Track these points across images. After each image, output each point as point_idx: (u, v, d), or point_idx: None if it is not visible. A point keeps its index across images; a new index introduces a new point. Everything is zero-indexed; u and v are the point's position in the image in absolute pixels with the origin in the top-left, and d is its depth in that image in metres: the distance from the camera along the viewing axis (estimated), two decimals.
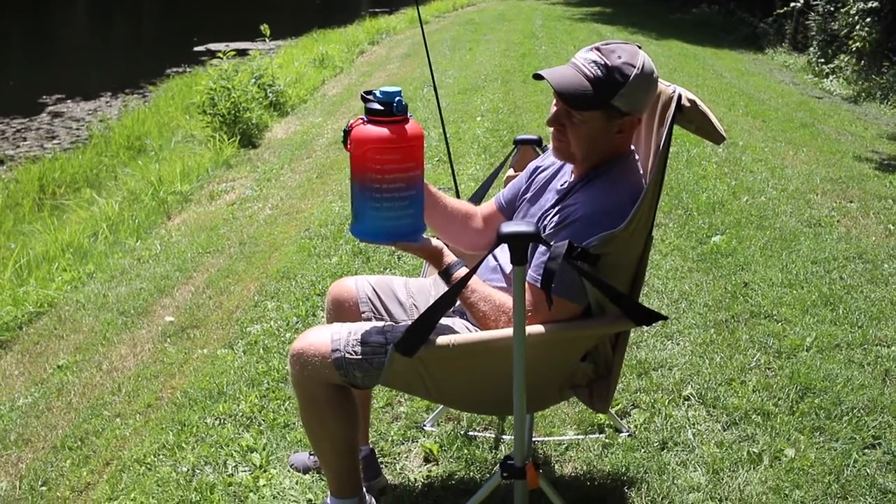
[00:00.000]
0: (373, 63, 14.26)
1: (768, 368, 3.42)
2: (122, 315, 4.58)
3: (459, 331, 2.27)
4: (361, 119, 2.05)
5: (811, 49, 13.64)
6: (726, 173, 6.29)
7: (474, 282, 2.12)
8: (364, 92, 2.07)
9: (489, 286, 2.17)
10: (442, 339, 2.04)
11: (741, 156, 6.83)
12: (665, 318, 2.08)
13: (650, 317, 2.04)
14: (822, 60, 12.88)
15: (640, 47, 2.10)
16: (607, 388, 2.21)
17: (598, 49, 2.08)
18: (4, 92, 13.04)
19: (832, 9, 13.13)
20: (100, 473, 3.06)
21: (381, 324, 2.27)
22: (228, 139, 8.47)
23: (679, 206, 5.46)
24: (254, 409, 3.28)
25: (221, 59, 8.86)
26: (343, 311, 2.58)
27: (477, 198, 2.67)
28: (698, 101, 2.07)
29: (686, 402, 3.18)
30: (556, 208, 2.14)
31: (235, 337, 4.01)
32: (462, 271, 2.10)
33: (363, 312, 2.55)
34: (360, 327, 2.24)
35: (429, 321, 2.01)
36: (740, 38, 17.33)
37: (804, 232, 5.00)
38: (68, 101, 12.08)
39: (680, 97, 2.06)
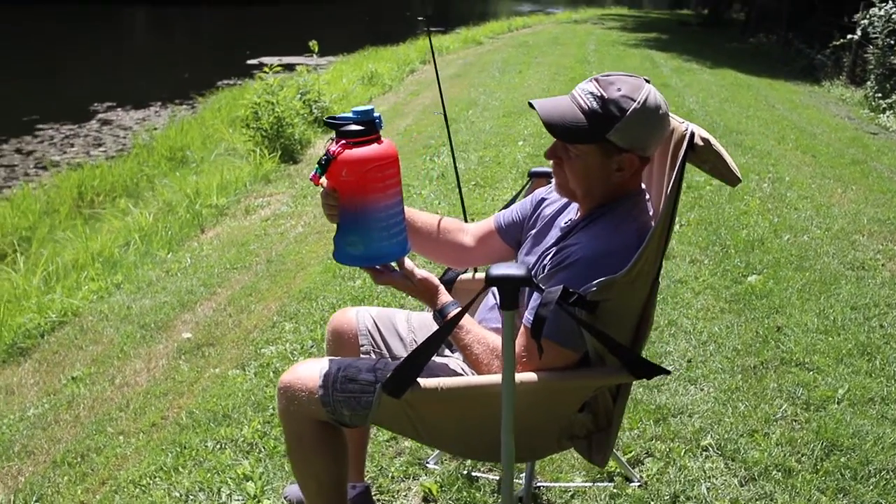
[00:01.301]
0: (422, 82, 14.24)
1: (794, 421, 3.25)
2: (142, 328, 4.55)
3: (455, 370, 2.16)
4: (341, 144, 1.96)
5: (869, 83, 13.29)
6: (769, 209, 6.10)
7: (468, 322, 2.02)
8: (328, 118, 2.00)
9: (485, 327, 2.06)
10: (429, 383, 1.94)
11: (786, 192, 6.62)
12: (667, 372, 1.95)
13: (651, 371, 1.91)
14: (880, 95, 12.54)
15: (648, 81, 1.97)
16: (607, 440, 2.08)
17: (597, 80, 1.97)
18: (58, 98, 13.25)
19: (892, 42, 12.80)
20: (94, 493, 3.00)
21: (372, 360, 2.17)
22: (269, 154, 8.46)
23: (716, 243, 5.29)
24: (255, 436, 3.19)
25: (267, 73, 8.87)
26: (342, 343, 2.49)
27: None
28: (712, 140, 1.94)
29: (704, 453, 3.02)
30: (557, 247, 2.02)
31: (249, 358, 3.94)
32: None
33: (362, 346, 2.45)
34: (350, 363, 2.14)
35: (415, 363, 1.91)
36: (797, 69, 17.01)
37: (846, 275, 4.80)
38: (118, 109, 12.24)
39: (693, 135, 1.93)
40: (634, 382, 2.07)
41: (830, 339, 3.95)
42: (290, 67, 11.44)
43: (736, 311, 4.27)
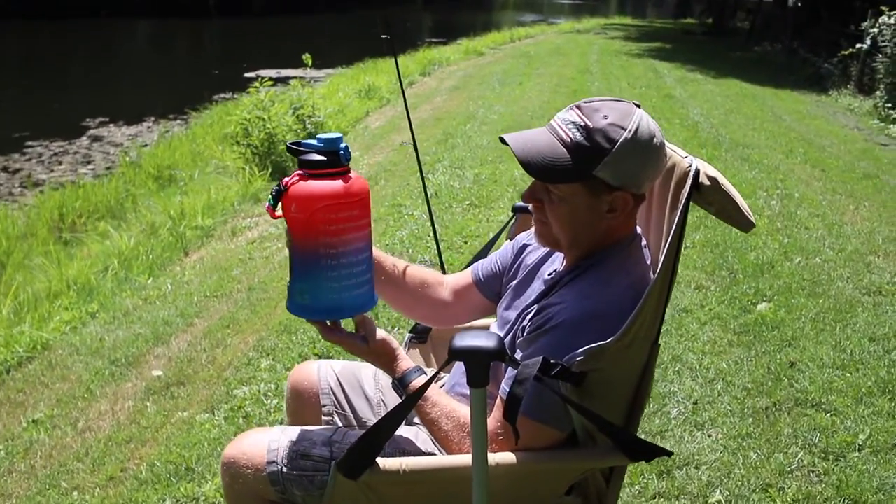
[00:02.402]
0: (420, 95, 13.98)
1: (812, 472, 2.95)
2: (112, 364, 4.26)
3: (422, 446, 1.87)
4: (298, 174, 1.68)
5: (878, 93, 12.99)
6: (779, 229, 5.79)
7: (435, 393, 1.73)
8: (290, 143, 1.72)
9: (457, 394, 1.77)
10: (390, 463, 1.65)
11: (796, 209, 6.32)
12: (669, 454, 1.65)
13: (649, 452, 1.62)
14: (889, 105, 12.23)
15: (638, 105, 1.69)
16: None
17: (578, 108, 1.68)
18: (51, 114, 13.00)
19: None
20: None
21: (329, 431, 1.88)
22: (259, 171, 8.19)
23: (723, 267, 4.98)
24: (217, 494, 2.90)
25: (258, 87, 8.62)
26: (302, 402, 2.20)
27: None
28: (720, 179, 1.65)
29: None
30: (538, 305, 1.73)
31: (219, 400, 3.66)
32: (421, 380, 1.71)
33: (324, 406, 2.16)
34: (303, 435, 1.85)
35: (373, 442, 1.62)
36: (802, 78, 16.69)
37: (862, 301, 4.50)
38: (111, 124, 11.96)
39: (697, 173, 1.65)
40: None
41: (848, 375, 3.65)
42: (286, 81, 11.18)
43: (745, 343, 3.97)
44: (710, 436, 3.17)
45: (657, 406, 3.38)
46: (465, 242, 5.65)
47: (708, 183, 1.64)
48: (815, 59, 17.30)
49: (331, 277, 1.68)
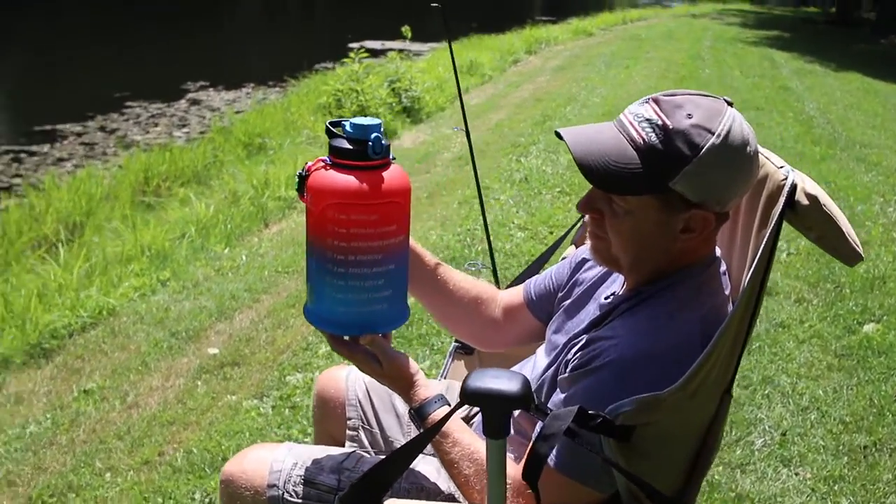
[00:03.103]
0: (524, 73, 13.64)
1: None
2: (172, 336, 4.14)
3: (442, 486, 1.61)
4: (323, 161, 1.45)
5: None
6: (894, 240, 5.30)
7: (457, 429, 1.46)
8: (329, 122, 1.47)
9: (479, 437, 1.50)
10: None
11: None
12: None
13: None
14: None
15: (730, 104, 1.36)
16: None
17: (656, 101, 1.35)
18: (153, 76, 13.13)
19: None
20: None
21: (341, 455, 1.64)
22: None
23: (829, 279, 4.55)
24: None
25: (353, 58, 8.46)
26: (327, 411, 1.97)
27: (520, 281, 1.98)
28: (822, 198, 1.32)
29: None
30: (587, 335, 1.43)
31: (270, 386, 3.49)
32: (444, 412, 1.45)
33: (350, 419, 1.93)
34: (312, 457, 1.63)
35: (380, 480, 1.38)
36: None
37: None
38: (210, 89, 11.98)
39: (794, 189, 1.32)
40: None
41: None
42: (387, 53, 11.00)
43: (847, 368, 3.57)
44: (797, 474, 2.82)
45: (740, 433, 3.04)
46: (551, 233, 5.35)
47: (806, 202, 1.31)
48: None
49: (337, 286, 1.45)
